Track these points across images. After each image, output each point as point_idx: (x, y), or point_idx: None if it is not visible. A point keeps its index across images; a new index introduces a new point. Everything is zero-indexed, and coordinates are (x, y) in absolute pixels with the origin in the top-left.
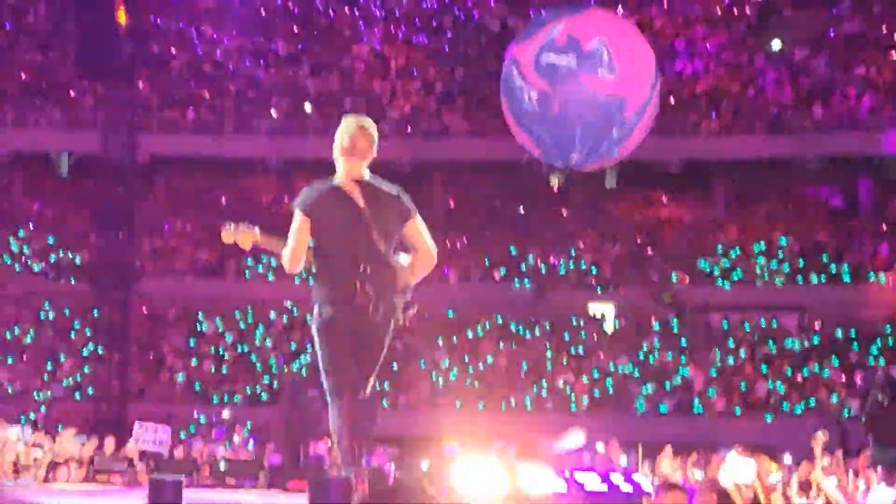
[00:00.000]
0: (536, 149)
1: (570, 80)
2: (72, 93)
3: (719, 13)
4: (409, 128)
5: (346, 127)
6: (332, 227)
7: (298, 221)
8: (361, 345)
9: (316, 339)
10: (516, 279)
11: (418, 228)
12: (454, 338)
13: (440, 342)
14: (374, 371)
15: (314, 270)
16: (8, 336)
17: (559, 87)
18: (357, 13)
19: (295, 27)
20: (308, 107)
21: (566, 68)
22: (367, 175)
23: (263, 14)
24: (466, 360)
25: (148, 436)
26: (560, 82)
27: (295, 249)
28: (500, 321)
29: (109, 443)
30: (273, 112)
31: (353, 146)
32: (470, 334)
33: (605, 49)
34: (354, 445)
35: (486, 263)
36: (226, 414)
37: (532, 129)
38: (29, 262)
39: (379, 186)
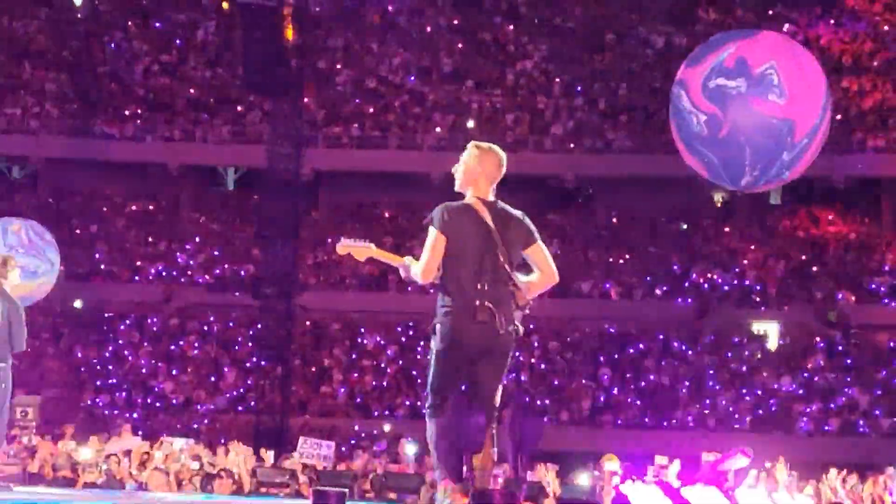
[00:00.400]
0: (706, 172)
1: (739, 103)
2: (239, 108)
3: (886, 29)
4: (572, 144)
5: (475, 152)
6: (463, 243)
7: (433, 237)
8: (483, 362)
9: (433, 353)
10: (679, 296)
11: (541, 250)
12: (616, 354)
13: (602, 358)
14: (499, 382)
15: (439, 285)
16: (173, 348)
17: (729, 110)
18: (521, 30)
19: (459, 43)
20: (471, 123)
21: (736, 91)
22: (492, 196)
23: (428, 30)
24: (628, 376)
25: (312, 451)
26: (729, 105)
27: (429, 263)
28: (662, 338)
29: (269, 455)
30: (437, 128)
31: (481, 170)
32: (632, 351)
33: (776, 73)
34: (488, 462)
35: (649, 280)
36: (387, 428)
37: (701, 152)
38: (194, 275)
39: (506, 209)
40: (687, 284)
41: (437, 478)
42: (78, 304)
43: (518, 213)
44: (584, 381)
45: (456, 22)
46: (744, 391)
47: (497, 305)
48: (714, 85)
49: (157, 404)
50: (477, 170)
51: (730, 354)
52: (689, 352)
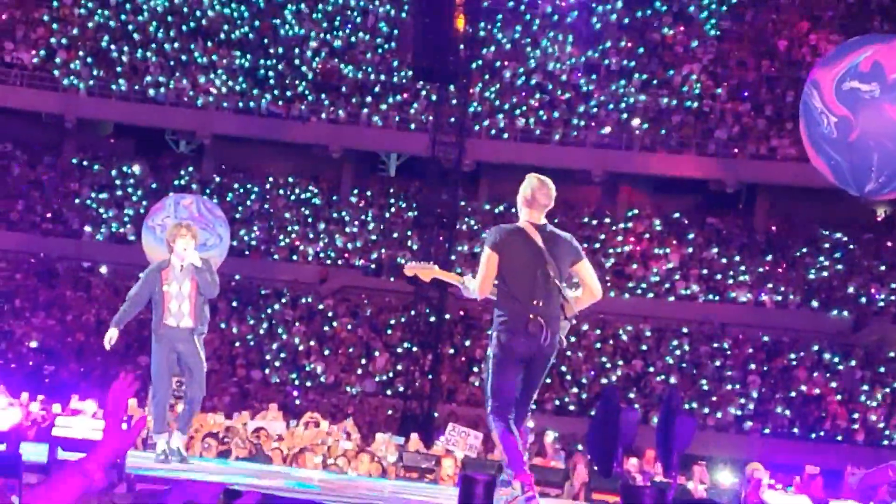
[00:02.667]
0: (831, 174)
1: (872, 107)
2: (405, 94)
3: None
4: (736, 149)
5: (530, 182)
6: (516, 262)
7: (487, 256)
8: (530, 367)
9: (490, 360)
10: (835, 308)
11: (587, 268)
12: (767, 363)
13: (752, 366)
14: (537, 388)
15: (496, 299)
16: (326, 329)
17: (861, 114)
18: (691, 31)
19: (628, 42)
20: (636, 122)
21: (869, 96)
22: (543, 221)
23: (598, 27)
24: (777, 385)
25: (459, 438)
26: (862, 109)
27: (485, 279)
28: (815, 349)
29: (415, 440)
30: (601, 125)
31: (534, 198)
32: (783, 360)
33: None
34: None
35: (805, 290)
36: (531, 424)
37: (829, 154)
38: (351, 258)
39: (554, 231)
40: (843, 297)
41: (509, 476)
42: (237, 278)
43: (566, 234)
44: (732, 388)
45: (626, 20)
46: (895, 408)
47: (547, 319)
48: (847, 88)
49: (308, 383)
50: (532, 197)
51: (883, 370)
52: (842, 365)
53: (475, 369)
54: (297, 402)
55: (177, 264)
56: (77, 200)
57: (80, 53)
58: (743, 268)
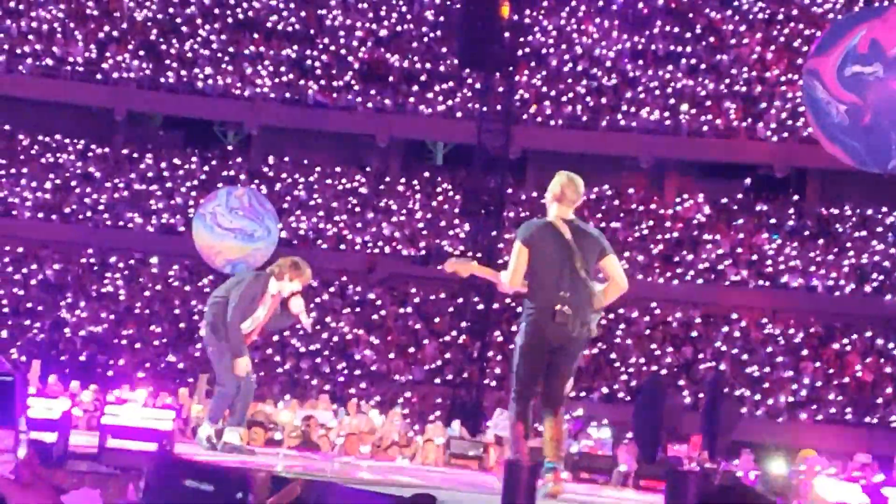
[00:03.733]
0: (850, 159)
1: (878, 88)
2: (451, 83)
3: None
4: (786, 133)
5: (560, 179)
6: (545, 255)
7: (518, 249)
8: (558, 356)
9: (518, 347)
10: (888, 292)
11: (613, 262)
12: (819, 349)
13: (804, 352)
14: (570, 375)
15: (526, 291)
16: (374, 317)
17: (868, 97)
18: (738, 15)
19: (675, 27)
20: (684, 107)
21: (873, 77)
22: (571, 216)
23: (645, 12)
24: (830, 371)
25: (507, 424)
26: (869, 92)
27: (515, 271)
28: (868, 334)
29: (456, 426)
30: (648, 111)
31: (562, 194)
32: (836, 346)
33: None
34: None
35: (857, 274)
36: (580, 412)
37: (844, 142)
38: (398, 247)
39: (582, 226)
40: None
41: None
42: None
43: (594, 230)
44: (784, 374)
45: (673, 5)
46: None
47: (575, 310)
48: (850, 73)
49: (357, 372)
50: (561, 193)
51: None
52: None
53: None
54: (347, 390)
55: (274, 290)
56: (127, 192)
57: (129, 47)
58: (794, 253)
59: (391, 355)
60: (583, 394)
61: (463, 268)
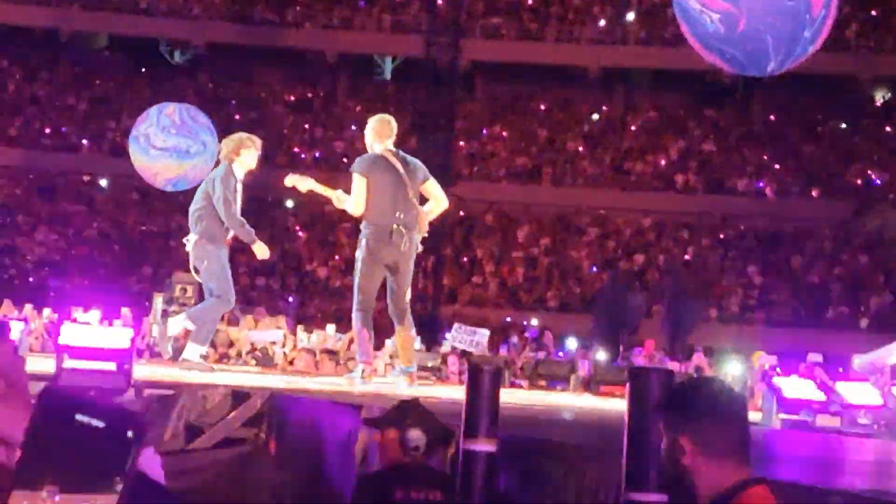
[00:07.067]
0: (728, 66)
1: None
2: None
3: None
4: None
5: (372, 123)
6: (381, 183)
7: (357, 181)
8: (396, 270)
9: (358, 263)
10: (835, 196)
11: (434, 185)
12: (769, 253)
13: (754, 256)
14: (407, 286)
15: (364, 213)
16: (329, 237)
17: (741, 2)
18: None
19: None
20: (631, 16)
21: None
22: (392, 147)
23: None
24: (780, 275)
25: (465, 337)
26: None
27: (358, 199)
28: (816, 237)
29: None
30: (597, 21)
31: (382, 132)
32: (785, 250)
33: None
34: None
35: (805, 180)
36: (535, 321)
37: (721, 50)
38: (350, 163)
39: (407, 157)
40: (844, 184)
41: (358, 359)
42: None
43: (415, 159)
44: (735, 279)
45: None
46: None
47: (408, 229)
48: None
49: (311, 289)
50: (381, 131)
51: (885, 255)
52: (844, 253)
53: (477, 270)
54: (303, 308)
55: (240, 175)
56: (74, 115)
57: None
58: (742, 159)
59: (346, 271)
60: (537, 304)
61: (301, 183)
